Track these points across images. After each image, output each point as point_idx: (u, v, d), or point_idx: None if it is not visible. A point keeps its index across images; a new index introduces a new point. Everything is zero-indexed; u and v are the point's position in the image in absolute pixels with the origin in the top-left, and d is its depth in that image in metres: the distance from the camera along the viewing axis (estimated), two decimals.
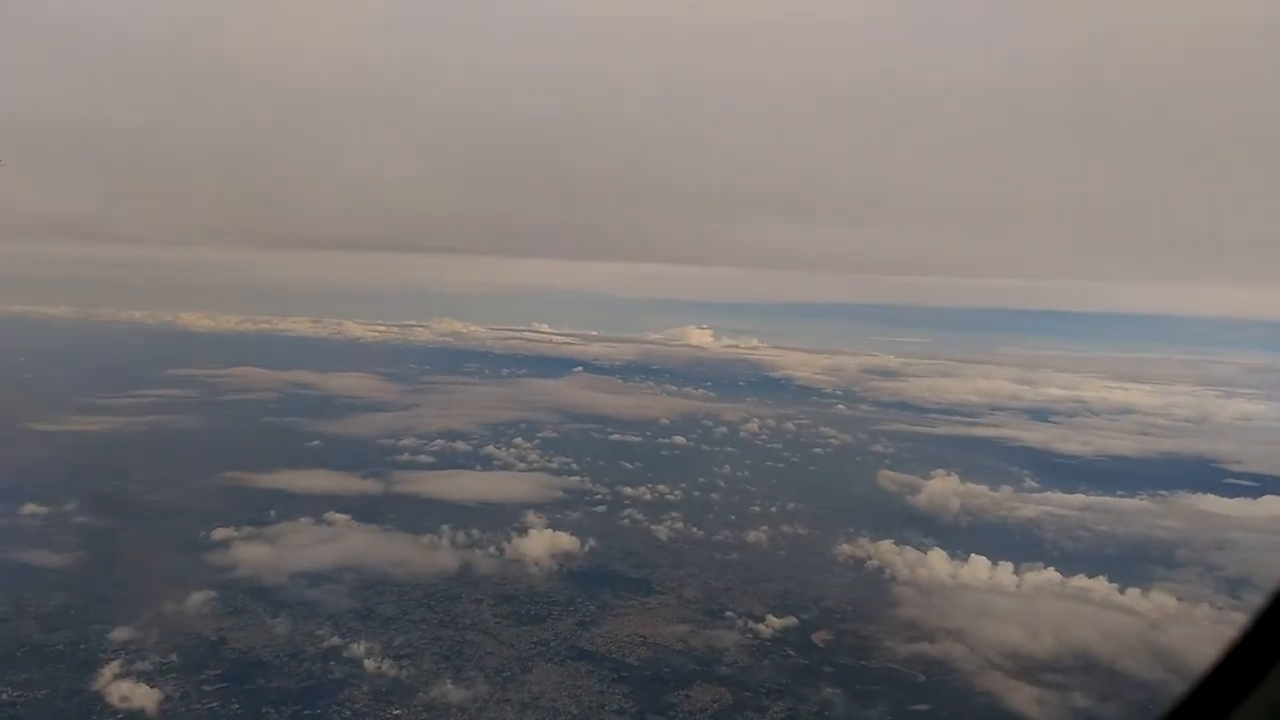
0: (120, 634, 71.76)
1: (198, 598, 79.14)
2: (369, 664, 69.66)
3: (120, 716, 60.91)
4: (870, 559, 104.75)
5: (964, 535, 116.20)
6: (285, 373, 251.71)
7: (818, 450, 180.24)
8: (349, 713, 63.96)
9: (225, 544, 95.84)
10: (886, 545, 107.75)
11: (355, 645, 72.37)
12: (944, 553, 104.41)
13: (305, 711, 63.57)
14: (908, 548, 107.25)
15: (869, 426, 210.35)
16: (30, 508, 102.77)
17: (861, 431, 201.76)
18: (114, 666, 66.21)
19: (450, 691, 66.40)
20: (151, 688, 63.81)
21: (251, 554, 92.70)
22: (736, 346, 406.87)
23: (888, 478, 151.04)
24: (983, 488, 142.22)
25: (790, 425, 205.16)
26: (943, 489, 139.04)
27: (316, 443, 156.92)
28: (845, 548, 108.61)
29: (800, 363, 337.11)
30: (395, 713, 64.00)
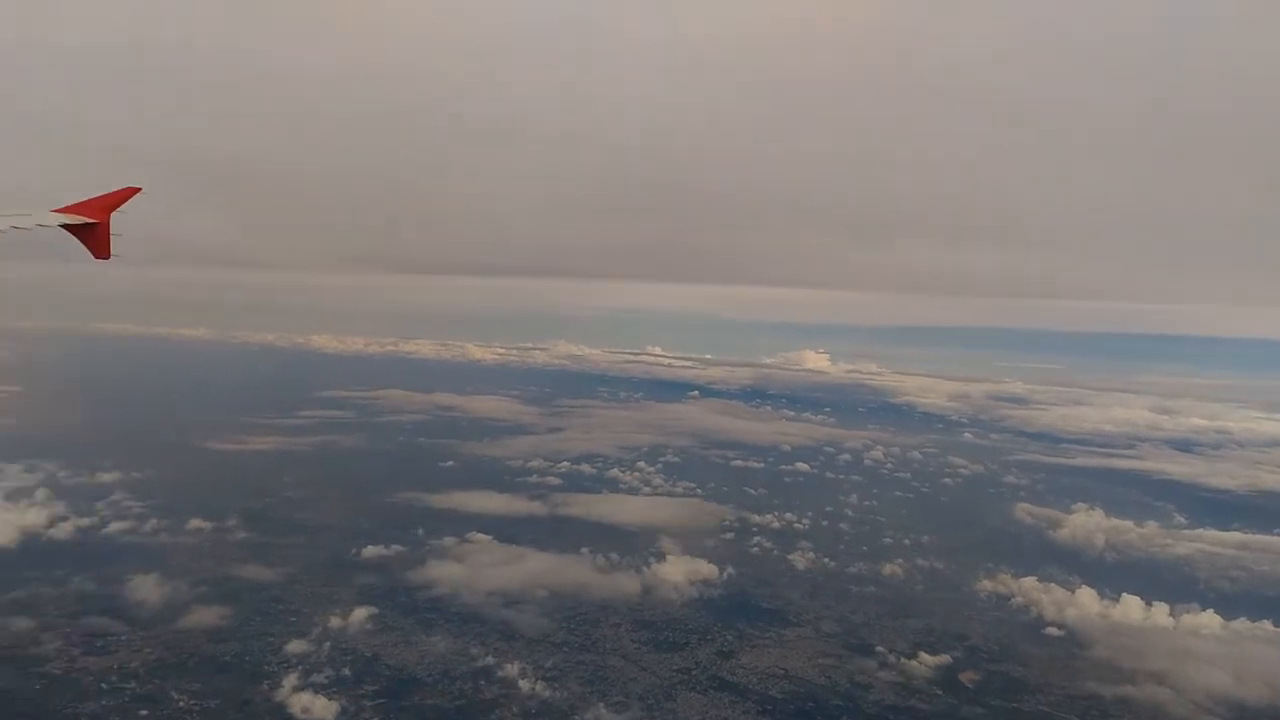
0: (295, 647, 75.06)
1: (360, 614, 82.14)
2: (523, 684, 71.16)
3: None
4: (1014, 596, 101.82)
5: (1112, 573, 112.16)
6: (429, 395, 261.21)
7: (948, 480, 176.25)
8: None
9: (397, 561, 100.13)
10: (1030, 582, 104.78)
11: (507, 665, 74.14)
12: (1092, 591, 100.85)
13: None
14: (1053, 585, 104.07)
15: (1000, 456, 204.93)
16: (196, 522, 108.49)
17: (992, 461, 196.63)
18: (293, 678, 69.34)
19: (604, 716, 67.23)
20: (324, 698, 66.47)
21: (413, 572, 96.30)
22: (856, 371, 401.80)
23: (1025, 510, 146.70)
24: (1128, 523, 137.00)
25: (916, 454, 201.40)
26: (1085, 524, 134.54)
27: (455, 464, 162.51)
28: (986, 583, 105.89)
29: (923, 388, 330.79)
30: None
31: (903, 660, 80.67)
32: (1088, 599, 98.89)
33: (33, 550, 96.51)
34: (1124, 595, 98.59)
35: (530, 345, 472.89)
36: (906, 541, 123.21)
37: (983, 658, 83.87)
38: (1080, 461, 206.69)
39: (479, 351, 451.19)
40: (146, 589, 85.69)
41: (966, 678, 78.88)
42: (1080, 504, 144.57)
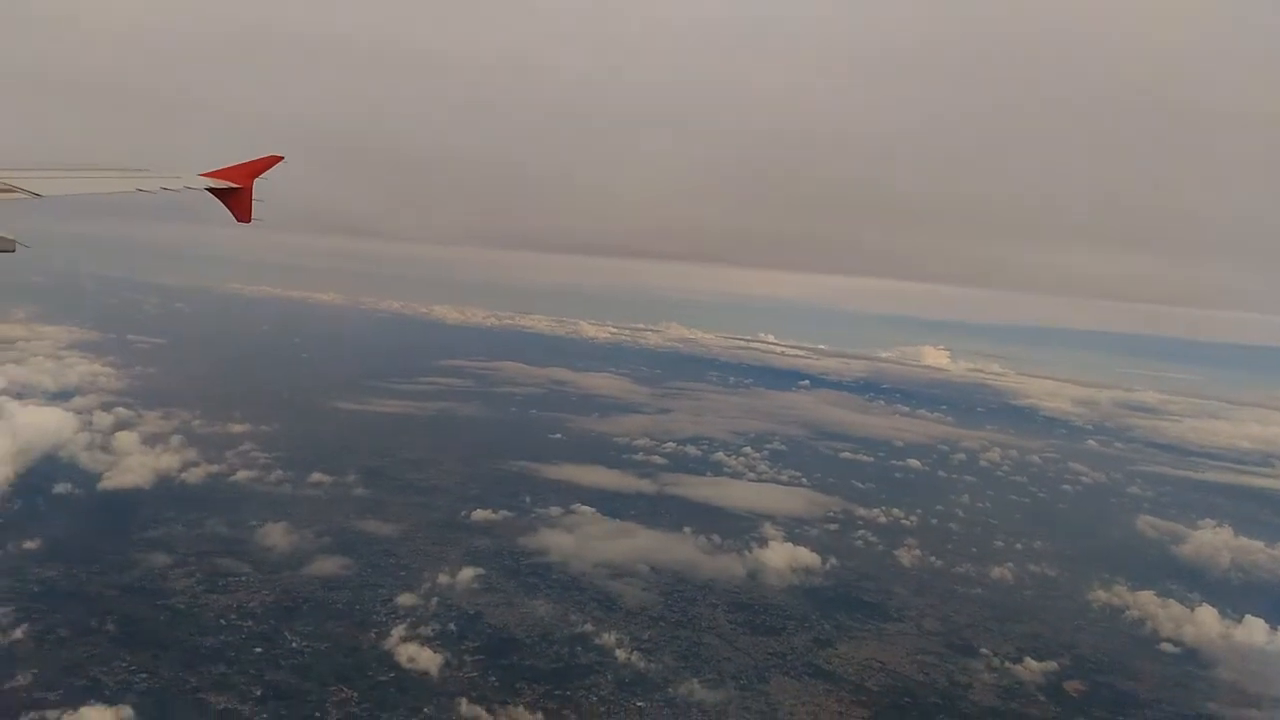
0: (405, 600, 77.94)
1: (467, 573, 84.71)
2: (619, 654, 72.20)
3: (393, 675, 66.04)
4: (1128, 609, 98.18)
5: (1236, 593, 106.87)
6: (544, 370, 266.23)
7: (1067, 487, 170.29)
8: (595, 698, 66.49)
9: (504, 526, 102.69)
10: (1147, 596, 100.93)
11: (605, 634, 75.26)
12: (1214, 610, 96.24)
13: (555, 691, 66.56)
14: (1171, 601, 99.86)
15: (1125, 466, 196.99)
16: (318, 476, 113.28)
17: (1116, 470, 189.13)
18: (400, 629, 71.97)
19: (696, 690, 67.72)
20: (429, 650, 68.80)
21: (521, 538, 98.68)
22: (977, 370, 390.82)
23: (1147, 523, 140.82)
24: (1258, 543, 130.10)
25: (1036, 458, 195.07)
26: (1211, 540, 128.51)
27: (565, 437, 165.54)
28: (1100, 594, 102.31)
29: (1048, 392, 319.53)
30: (638, 704, 65.96)
31: (1006, 664, 78.72)
32: (1208, 618, 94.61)
33: (166, 492, 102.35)
34: (1247, 616, 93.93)
35: (642, 326, 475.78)
36: (1019, 546, 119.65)
37: (1090, 668, 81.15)
38: (1210, 477, 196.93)
39: (592, 330, 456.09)
40: (271, 535, 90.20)
41: (1071, 687, 76.45)
42: (1207, 520, 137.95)
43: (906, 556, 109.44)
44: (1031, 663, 79.11)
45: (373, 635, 71.53)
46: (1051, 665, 79.28)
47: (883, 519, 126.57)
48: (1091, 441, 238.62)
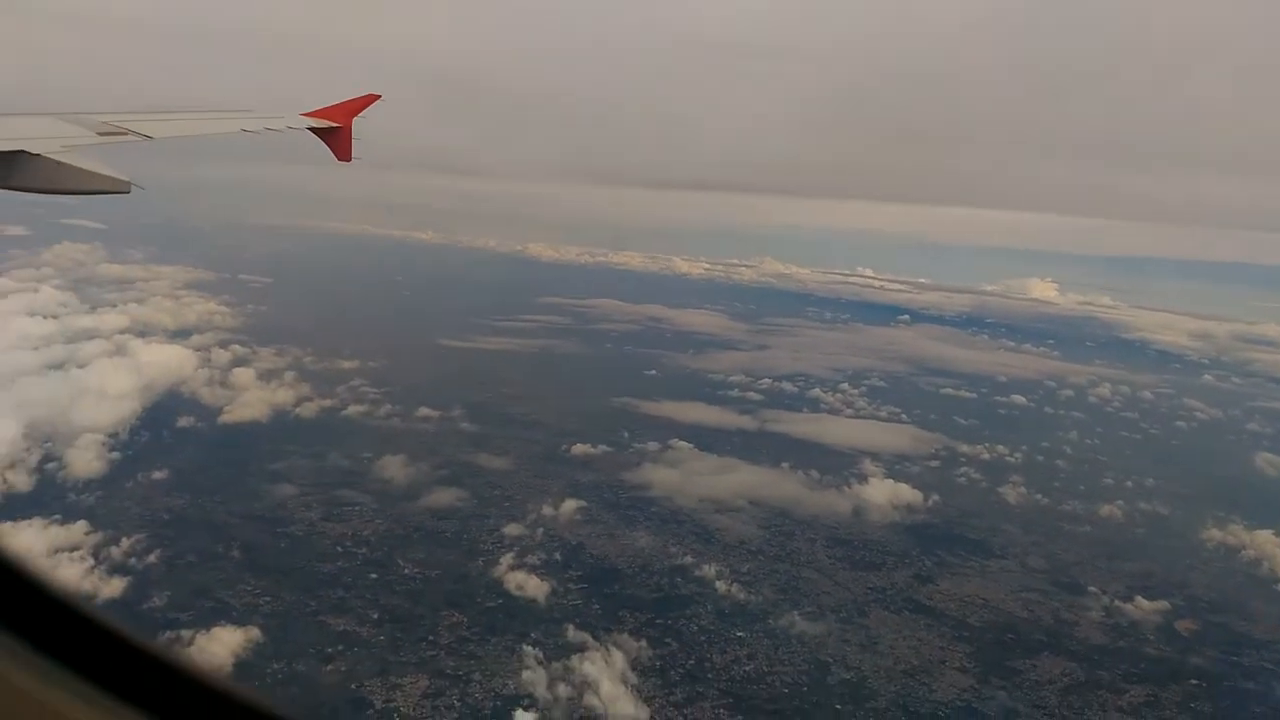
0: (511, 530, 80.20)
1: (569, 505, 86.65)
2: (720, 585, 73.11)
3: (500, 602, 68.22)
4: (1245, 548, 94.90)
5: None
6: (640, 306, 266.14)
7: (1181, 424, 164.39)
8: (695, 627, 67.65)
9: (604, 460, 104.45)
10: (1265, 535, 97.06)
11: (705, 566, 76.26)
12: None
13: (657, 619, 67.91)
14: None
15: (1243, 402, 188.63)
16: (425, 410, 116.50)
17: (1234, 407, 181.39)
18: (509, 558, 74.18)
19: (797, 622, 68.35)
20: (536, 578, 70.84)
21: (624, 473, 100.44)
22: (1087, 303, 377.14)
23: (1266, 460, 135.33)
24: None
25: (1148, 394, 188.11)
26: None
27: (661, 374, 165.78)
28: (1214, 533, 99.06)
29: (1162, 324, 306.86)
30: (739, 634, 66.90)
31: (1115, 602, 77.17)
32: None
33: (282, 426, 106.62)
34: None
35: (736, 262, 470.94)
36: (1129, 484, 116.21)
37: (1203, 608, 78.98)
38: None
39: (685, 266, 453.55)
40: (384, 468, 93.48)
41: (1183, 626, 74.58)
42: None
43: (1011, 494, 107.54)
44: (1142, 601, 77.29)
45: (480, 563, 73.92)
46: (1163, 604, 77.34)
47: (986, 455, 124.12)
48: (1208, 376, 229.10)
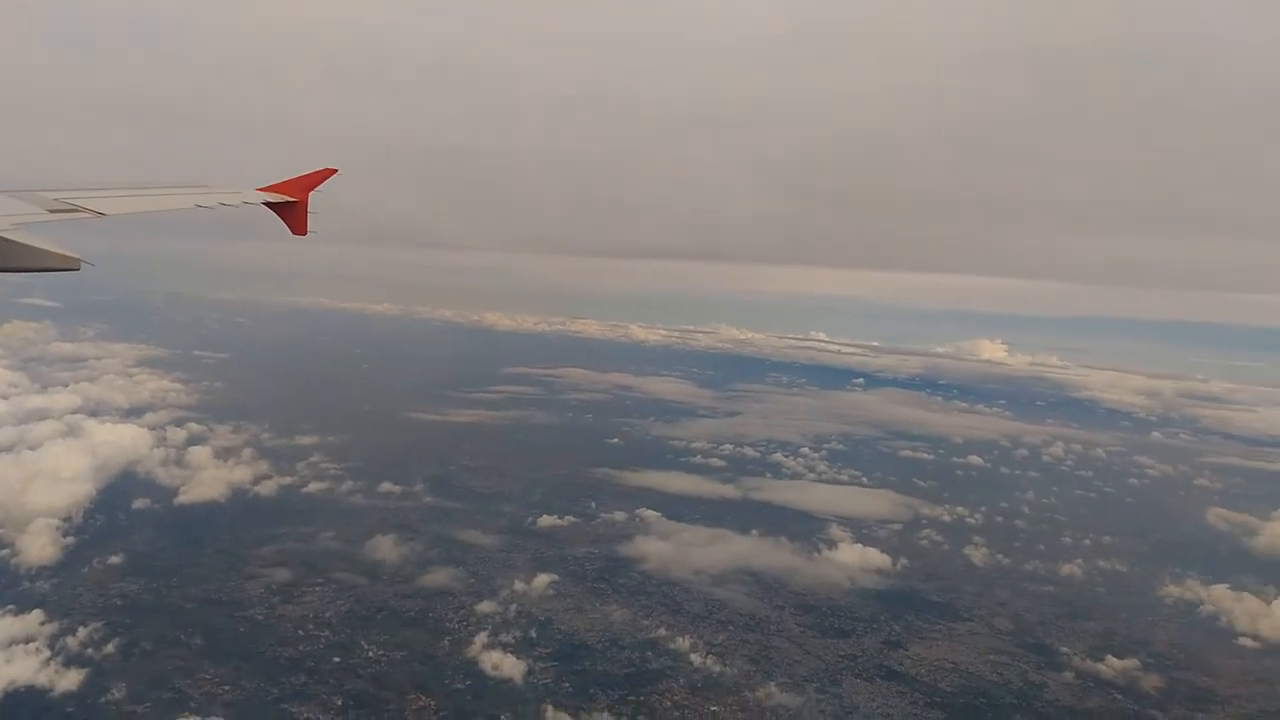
0: (484, 607, 79.04)
1: (541, 579, 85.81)
2: (694, 658, 72.53)
3: (470, 683, 67.01)
4: (1203, 603, 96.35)
5: None
6: (607, 374, 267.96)
7: (1133, 481, 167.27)
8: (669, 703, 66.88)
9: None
10: (1221, 590, 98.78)
11: (678, 639, 75.65)
12: None
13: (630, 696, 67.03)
14: (1246, 594, 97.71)
15: (1192, 458, 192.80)
16: (387, 486, 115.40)
17: (1184, 463, 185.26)
18: (482, 637, 73.10)
19: (774, 694, 67.89)
20: (512, 657, 69.73)
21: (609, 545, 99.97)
22: (1036, 363, 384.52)
23: (1218, 515, 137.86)
24: None
25: (1100, 452, 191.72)
26: None
27: (629, 443, 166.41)
28: (1172, 589, 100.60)
29: (1109, 384, 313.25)
30: (713, 709, 66.22)
31: (1082, 662, 77.73)
32: None
33: (241, 504, 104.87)
34: None
35: (693, 328, 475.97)
36: (1087, 542, 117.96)
37: (1167, 664, 79.73)
38: None
39: (643, 333, 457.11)
40: (348, 546, 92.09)
41: (1149, 684, 75.20)
42: None
43: (974, 555, 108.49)
44: (1113, 660, 77.94)
45: (447, 643, 72.70)
46: (1131, 663, 77.97)
47: (947, 517, 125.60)
48: (1156, 433, 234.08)
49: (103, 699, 60.37)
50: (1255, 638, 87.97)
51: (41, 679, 61.36)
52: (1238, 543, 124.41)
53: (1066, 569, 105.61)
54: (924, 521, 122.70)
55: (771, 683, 69.62)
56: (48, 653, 64.97)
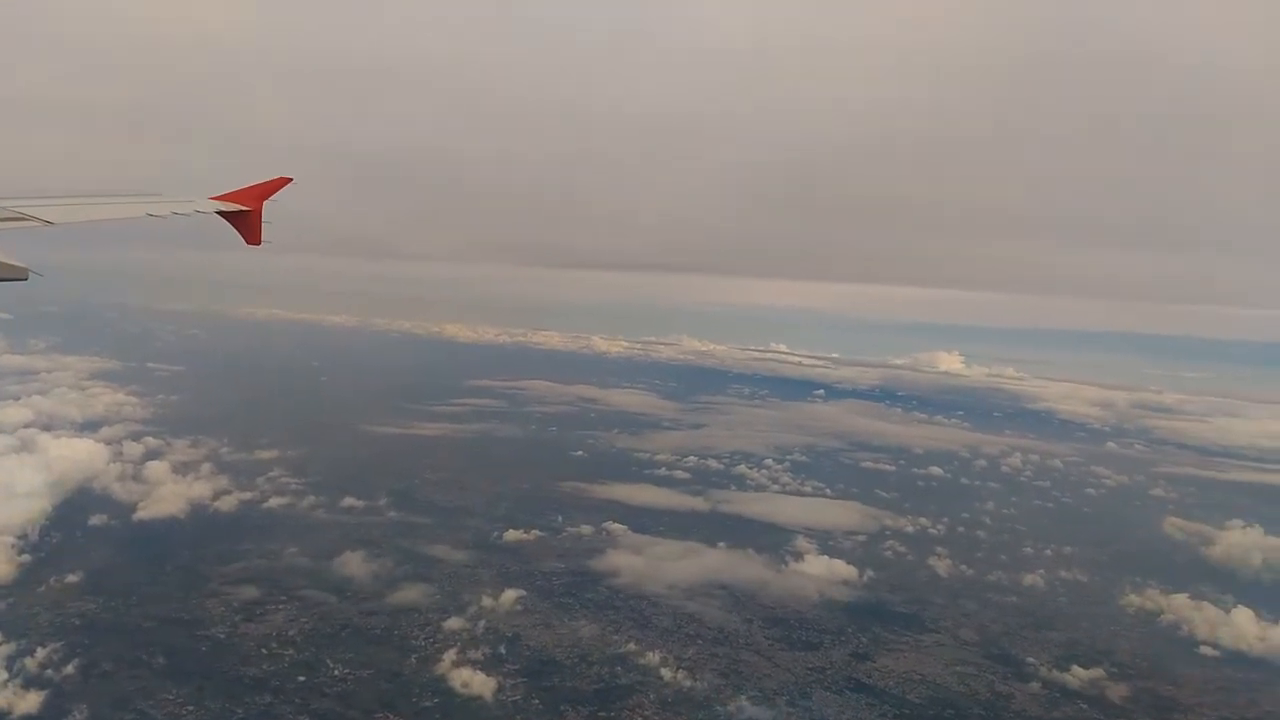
0: (452, 623, 78.22)
1: (509, 595, 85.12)
2: (665, 673, 72.31)
3: (438, 700, 66.19)
4: (1163, 613, 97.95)
5: (1272, 594, 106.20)
6: (571, 387, 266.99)
7: (1090, 491, 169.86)
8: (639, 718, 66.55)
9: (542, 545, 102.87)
10: (1180, 599, 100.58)
11: (648, 653, 75.38)
12: (1250, 612, 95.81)
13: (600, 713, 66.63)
14: (1205, 603, 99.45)
15: (1147, 467, 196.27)
16: (349, 500, 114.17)
17: (1139, 473, 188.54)
18: (450, 654, 72.27)
19: (745, 707, 67.81)
20: (481, 674, 68.94)
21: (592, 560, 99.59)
22: (993, 375, 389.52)
23: (1174, 525, 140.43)
24: None
25: (1057, 462, 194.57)
26: (1241, 541, 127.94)
27: (596, 455, 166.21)
28: (1133, 599, 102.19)
29: (1065, 395, 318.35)
30: None
31: (1048, 672, 78.60)
32: (1244, 620, 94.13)
33: (201, 520, 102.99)
34: None
35: (654, 339, 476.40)
36: (1048, 552, 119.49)
37: (1131, 674, 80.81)
38: (1235, 476, 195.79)
39: (604, 344, 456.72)
40: (311, 562, 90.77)
41: (1113, 694, 76.19)
42: (1235, 520, 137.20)
43: (937, 566, 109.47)
44: (1079, 670, 78.85)
45: (414, 660, 71.87)
46: (1097, 673, 78.95)
47: (910, 528, 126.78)
48: (1111, 444, 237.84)
49: None
50: (1215, 646, 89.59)
51: (0, 701, 59.78)
52: (1195, 552, 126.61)
53: (1029, 579, 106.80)
54: (888, 532, 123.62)
55: (742, 696, 69.69)
56: (5, 674, 63.42)
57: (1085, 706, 73.54)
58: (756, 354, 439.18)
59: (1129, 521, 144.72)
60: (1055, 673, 78.47)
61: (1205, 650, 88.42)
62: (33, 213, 11.44)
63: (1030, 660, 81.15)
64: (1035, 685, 76.38)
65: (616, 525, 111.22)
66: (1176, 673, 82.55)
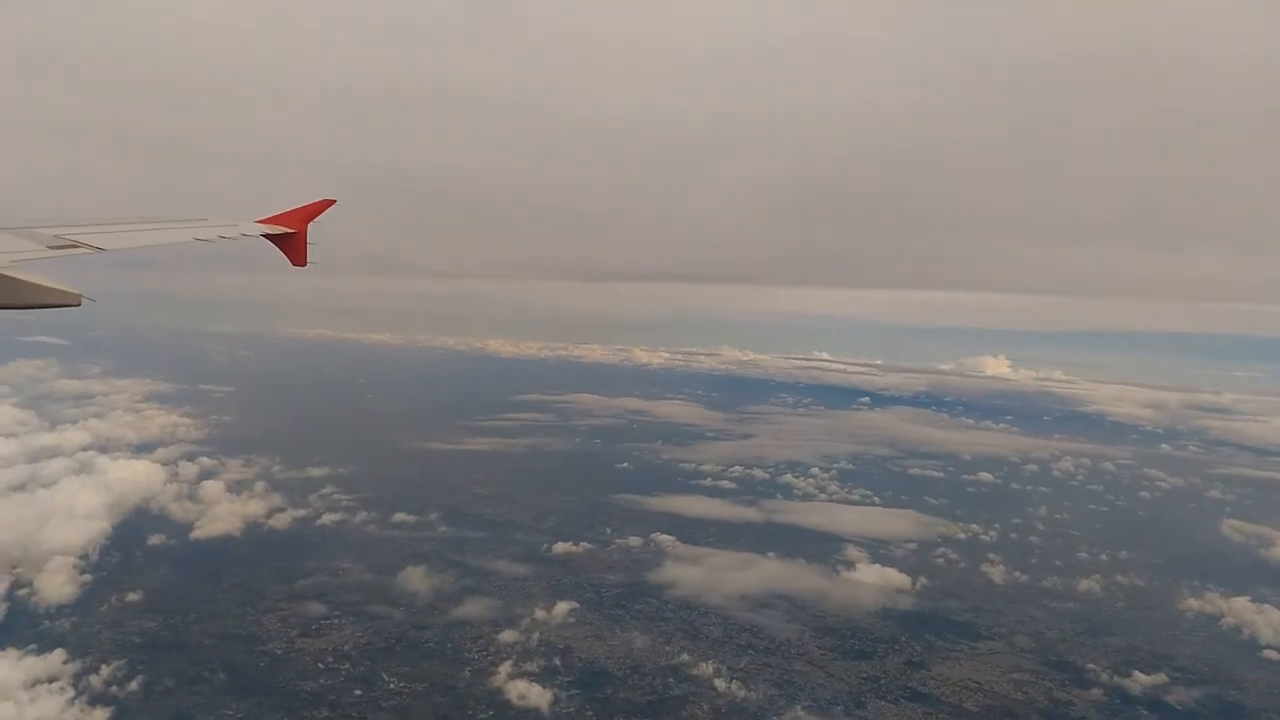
0: (507, 636, 78.65)
1: (561, 607, 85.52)
2: (719, 684, 72.07)
3: (493, 713, 66.62)
4: (1224, 616, 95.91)
5: None
6: (617, 399, 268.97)
7: (1145, 494, 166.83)
8: None
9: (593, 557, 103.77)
10: (1241, 602, 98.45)
11: (701, 664, 75.18)
12: None
13: None
14: (1267, 606, 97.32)
15: (1203, 469, 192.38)
16: (400, 516, 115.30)
17: (1194, 475, 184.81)
18: (506, 666, 72.61)
19: (801, 718, 67.49)
20: (531, 684, 69.24)
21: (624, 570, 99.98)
22: (1041, 378, 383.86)
23: (1232, 527, 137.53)
24: None
25: (1109, 465, 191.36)
26: None
27: (641, 467, 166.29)
28: (1192, 603, 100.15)
29: (1116, 397, 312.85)
30: None
31: (1109, 678, 77.26)
32: None
33: (256, 538, 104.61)
34: None
35: (696, 350, 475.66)
36: (1103, 557, 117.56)
37: (1193, 679, 79.26)
38: None
39: (646, 356, 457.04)
40: (365, 577, 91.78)
41: (1174, 699, 74.76)
42: None
43: (991, 573, 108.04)
44: (1140, 676, 77.54)
45: (468, 673, 72.32)
46: (1159, 678, 77.60)
47: (961, 535, 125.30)
48: (1165, 446, 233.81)
49: None
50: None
51: (67, 719, 61.07)
52: (1255, 554, 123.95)
53: (1084, 584, 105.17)
54: (939, 540, 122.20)
55: (797, 706, 69.34)
56: (72, 692, 64.81)
57: (1147, 712, 72.27)
58: (799, 362, 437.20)
59: (1186, 524, 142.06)
60: (1116, 679, 77.14)
61: (1269, 654, 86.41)
62: (85, 239, 11.68)
63: (1090, 667, 79.81)
64: (1096, 692, 75.14)
65: (664, 536, 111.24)
66: (1240, 677, 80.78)
